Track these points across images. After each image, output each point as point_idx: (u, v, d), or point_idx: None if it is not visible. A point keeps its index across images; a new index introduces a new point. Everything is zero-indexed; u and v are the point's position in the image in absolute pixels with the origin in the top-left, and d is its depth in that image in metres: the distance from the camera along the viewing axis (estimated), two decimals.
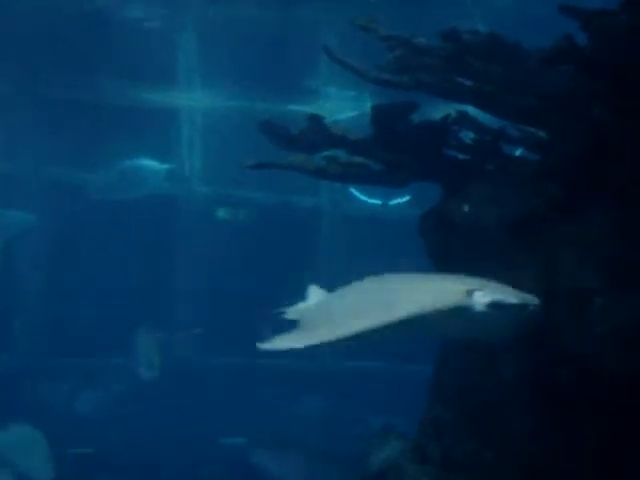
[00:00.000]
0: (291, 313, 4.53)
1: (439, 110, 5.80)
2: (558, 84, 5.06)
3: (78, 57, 10.65)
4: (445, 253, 5.64)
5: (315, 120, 5.50)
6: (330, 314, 4.34)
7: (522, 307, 4.05)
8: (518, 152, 6.51)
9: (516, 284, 5.18)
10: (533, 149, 5.95)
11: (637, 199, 4.95)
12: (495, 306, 3.97)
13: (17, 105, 10.87)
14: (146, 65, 10.98)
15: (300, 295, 5.18)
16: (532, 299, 4.12)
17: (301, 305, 4.47)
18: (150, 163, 11.22)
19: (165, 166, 11.30)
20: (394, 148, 5.64)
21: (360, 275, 11.71)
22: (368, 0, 7.90)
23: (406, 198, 12.43)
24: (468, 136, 5.94)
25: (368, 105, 5.61)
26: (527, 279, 5.17)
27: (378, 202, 12.58)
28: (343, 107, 11.12)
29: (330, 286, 11.93)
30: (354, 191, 12.47)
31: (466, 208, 5.41)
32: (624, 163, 5.07)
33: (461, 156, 5.90)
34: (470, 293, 3.98)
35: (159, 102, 11.53)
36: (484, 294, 3.98)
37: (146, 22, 10.61)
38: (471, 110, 5.84)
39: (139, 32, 10.59)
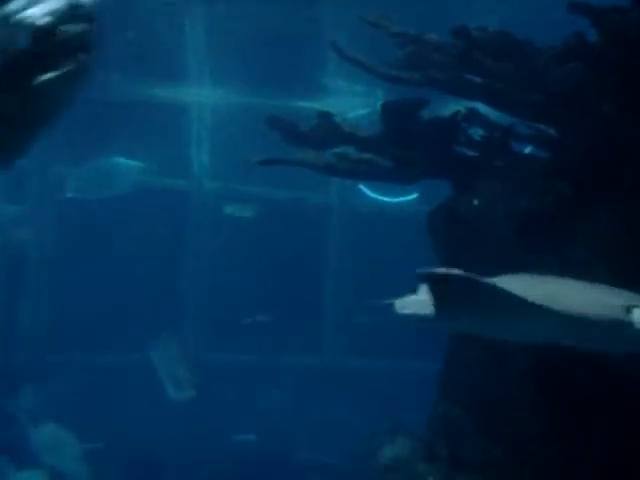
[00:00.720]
0: (403, 305, 4.30)
1: (449, 107, 5.80)
2: (568, 81, 5.05)
3: None
4: (453, 249, 5.63)
5: (325, 117, 5.51)
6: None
7: None
8: (528, 149, 6.49)
9: None
10: (542, 146, 5.93)
11: None
12: None
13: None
14: (155, 61, 10.98)
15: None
16: None
17: (413, 297, 4.23)
18: (123, 161, 10.99)
19: (138, 164, 11.02)
20: (404, 145, 5.64)
21: (370, 271, 11.67)
22: None
23: (414, 195, 12.41)
24: (477, 133, 5.93)
25: (379, 102, 5.60)
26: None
27: (387, 199, 12.58)
28: (353, 103, 11.10)
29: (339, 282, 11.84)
30: (363, 188, 12.46)
31: (476, 202, 5.39)
32: (633, 160, 5.06)
33: (470, 153, 5.89)
34: (630, 309, 3.90)
35: (168, 98, 11.54)
36: None
37: (156, 17, 10.60)
38: (481, 107, 5.83)
39: (148, 26, 10.58)
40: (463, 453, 5.26)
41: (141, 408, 10.67)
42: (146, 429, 10.61)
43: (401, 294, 4.45)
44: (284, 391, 11.24)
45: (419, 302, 4.17)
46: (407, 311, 4.14)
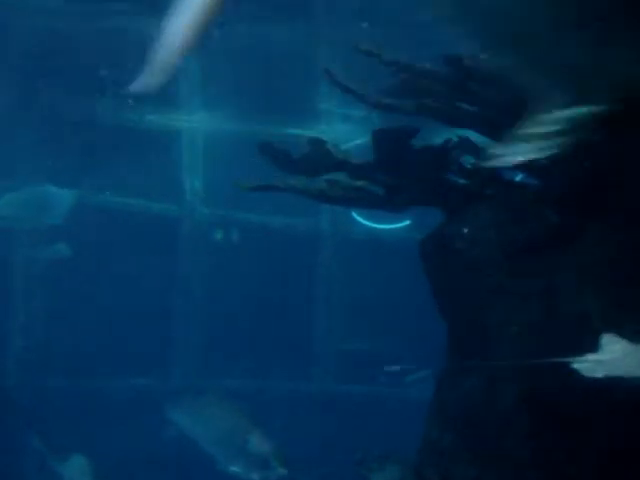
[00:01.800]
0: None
1: (441, 134, 5.83)
2: None
3: (78, 76, 10.68)
4: (445, 277, 5.65)
5: (317, 144, 5.53)
6: None
7: None
8: (519, 177, 6.53)
9: (515, 310, 5.21)
10: (533, 174, 5.97)
11: (636, 222, 4.95)
12: None
13: (19, 125, 10.89)
14: None
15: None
16: None
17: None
18: (55, 190, 10.37)
19: (71, 193, 10.45)
20: (395, 172, 5.66)
21: (361, 297, 11.68)
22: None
23: (406, 222, 12.44)
24: (469, 161, 5.96)
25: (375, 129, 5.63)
26: (526, 306, 5.18)
27: (379, 226, 12.60)
28: (349, 130, 11.16)
29: (331, 308, 11.89)
30: (355, 215, 12.49)
31: (465, 230, 5.41)
32: (623, 188, 5.09)
33: (462, 181, 5.92)
34: None
35: (160, 124, 11.57)
36: None
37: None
38: (472, 135, 5.87)
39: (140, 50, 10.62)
40: None
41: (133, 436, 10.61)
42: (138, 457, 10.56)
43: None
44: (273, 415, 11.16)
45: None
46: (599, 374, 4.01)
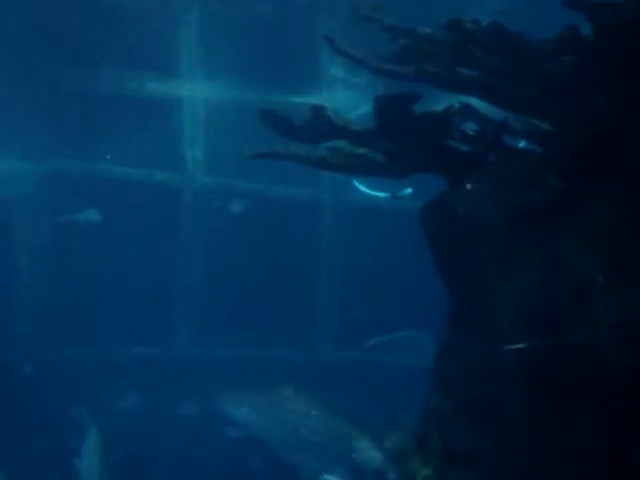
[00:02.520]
0: None
1: (442, 101, 5.79)
2: (560, 74, 5.04)
3: (79, 46, 10.63)
4: (446, 244, 5.64)
5: (318, 111, 5.49)
6: None
7: None
8: (522, 144, 6.50)
9: (518, 276, 5.20)
10: (536, 141, 5.94)
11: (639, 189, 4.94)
12: None
13: (15, 95, 10.85)
14: (148, 55, 10.97)
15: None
16: None
17: None
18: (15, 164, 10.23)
19: (31, 167, 10.34)
20: (397, 139, 5.63)
21: (361, 267, 11.71)
22: None
23: (408, 191, 12.41)
24: (471, 127, 5.93)
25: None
26: (528, 271, 5.18)
27: (381, 194, 12.58)
28: (352, 98, 11.11)
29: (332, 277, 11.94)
30: (356, 183, 12.47)
31: (468, 186, 5.39)
32: (627, 154, 5.06)
33: (463, 147, 5.89)
34: None
35: (161, 93, 11.52)
36: None
37: (148, 10, 10.58)
38: (474, 102, 5.83)
39: (141, 20, 10.57)
40: (456, 448, 5.26)
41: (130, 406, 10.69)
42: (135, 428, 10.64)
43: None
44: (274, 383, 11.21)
45: None
46: None
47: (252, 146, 5.69)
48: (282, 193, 11.84)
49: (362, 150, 5.70)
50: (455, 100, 5.77)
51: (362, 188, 12.46)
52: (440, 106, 5.66)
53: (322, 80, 11.54)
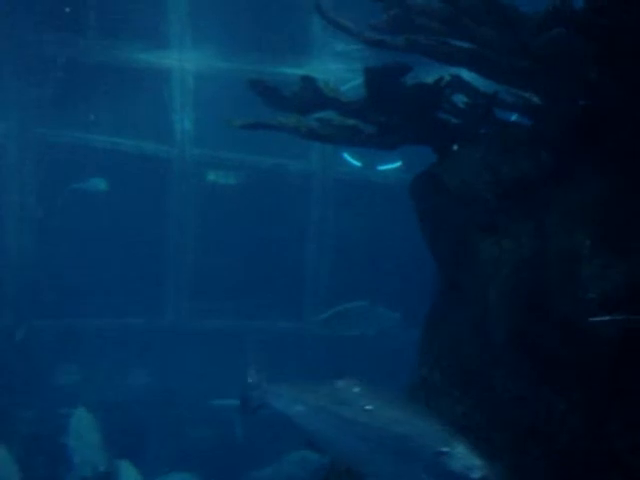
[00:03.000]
0: None
1: (433, 73, 5.76)
2: (552, 47, 5.01)
3: (65, 14, 10.53)
4: (435, 217, 5.64)
5: (308, 81, 5.45)
6: None
7: None
8: (513, 118, 6.49)
9: (507, 249, 5.21)
10: (527, 114, 5.93)
11: (629, 164, 4.93)
12: None
13: (1, 65, 10.75)
14: (137, 25, 10.88)
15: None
16: None
17: None
18: None
19: None
20: (387, 110, 5.60)
21: (352, 238, 11.68)
22: None
23: (398, 164, 12.40)
24: (461, 100, 5.91)
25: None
26: (517, 243, 5.19)
27: (370, 167, 12.56)
28: (342, 70, 11.05)
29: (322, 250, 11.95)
30: (346, 156, 12.44)
31: (455, 147, 5.39)
32: (617, 128, 5.06)
33: (454, 120, 5.87)
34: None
35: (150, 63, 11.43)
36: None
37: None
38: (465, 74, 5.80)
39: None
40: (443, 418, 5.28)
41: (124, 373, 10.72)
42: (128, 395, 10.68)
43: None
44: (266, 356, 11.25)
45: None
46: None
47: (241, 116, 5.66)
48: (272, 164, 11.81)
49: (352, 121, 5.68)
50: (446, 72, 5.75)
51: (351, 160, 12.43)
52: (431, 78, 5.63)
53: (313, 51, 11.47)
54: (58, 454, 9.04)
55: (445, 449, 4.29)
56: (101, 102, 11.15)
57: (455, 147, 5.58)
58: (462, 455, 4.29)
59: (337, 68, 11.32)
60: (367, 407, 4.62)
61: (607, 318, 4.53)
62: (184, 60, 11.55)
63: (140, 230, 11.15)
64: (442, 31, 5.28)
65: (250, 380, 5.31)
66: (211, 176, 11.94)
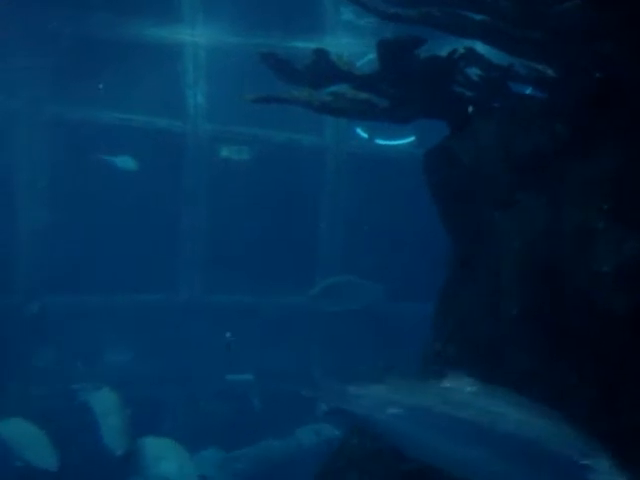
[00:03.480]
0: None
1: (447, 46, 5.72)
2: (567, 18, 4.96)
3: None
4: (449, 191, 5.62)
5: (321, 54, 5.42)
6: None
7: None
8: (528, 91, 6.44)
9: (520, 223, 5.19)
10: (541, 87, 5.88)
11: None
12: None
13: (14, 42, 10.72)
14: (148, 0, 10.83)
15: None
16: None
17: None
18: None
19: None
20: (400, 84, 5.57)
21: (364, 213, 11.61)
22: None
23: (411, 139, 12.34)
24: (475, 73, 5.87)
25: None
26: (531, 218, 5.16)
27: (383, 142, 12.51)
28: (355, 43, 10.97)
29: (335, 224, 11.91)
30: (359, 130, 12.38)
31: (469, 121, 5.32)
32: (631, 100, 5.01)
33: (468, 93, 5.83)
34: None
35: (162, 38, 11.38)
36: None
37: None
38: (479, 47, 5.76)
39: None
40: None
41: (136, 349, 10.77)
42: (142, 370, 10.74)
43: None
44: (278, 331, 11.30)
45: None
46: None
47: (254, 91, 5.64)
48: (285, 139, 11.77)
49: (365, 95, 5.65)
50: (460, 45, 5.70)
51: (364, 135, 12.38)
52: (445, 52, 5.59)
53: (326, 24, 11.38)
54: (73, 432, 9.12)
55: (586, 461, 3.56)
56: (112, 78, 11.12)
57: (469, 120, 5.54)
58: (606, 470, 3.54)
59: (349, 42, 11.23)
60: (492, 408, 3.86)
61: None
62: (196, 35, 11.50)
63: (153, 206, 11.16)
64: (456, 3, 5.23)
65: (318, 380, 4.48)
66: (224, 151, 11.91)
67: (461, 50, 5.65)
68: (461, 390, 3.96)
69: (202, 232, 11.58)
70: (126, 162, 10.92)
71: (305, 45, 10.48)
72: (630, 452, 4.10)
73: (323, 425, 10.23)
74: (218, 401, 10.93)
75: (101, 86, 11.06)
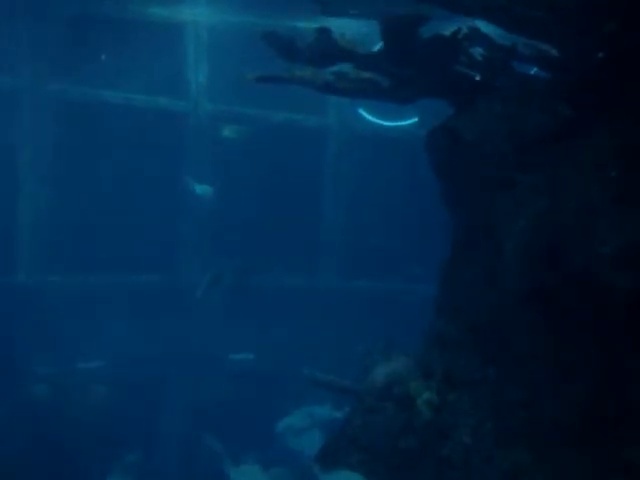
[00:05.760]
0: None
1: (450, 25, 5.68)
2: None
3: None
4: (452, 170, 5.60)
5: (323, 33, 5.39)
6: None
7: None
8: (533, 71, 6.41)
9: (523, 202, 5.18)
10: (545, 67, 5.85)
11: None
12: None
13: (14, 19, 10.67)
14: None
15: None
16: None
17: None
18: None
19: None
20: (404, 63, 5.54)
21: (367, 193, 11.57)
22: None
23: (414, 120, 12.29)
24: (479, 52, 5.83)
25: None
26: (534, 198, 5.15)
27: (386, 123, 12.46)
28: (357, 25, 10.90)
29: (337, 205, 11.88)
30: (362, 111, 12.33)
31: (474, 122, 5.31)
32: (635, 81, 4.98)
33: (471, 73, 5.80)
34: None
35: (163, 17, 11.33)
36: None
37: None
38: (482, 26, 5.72)
39: None
40: (457, 372, 5.30)
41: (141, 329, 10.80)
42: (146, 350, 10.78)
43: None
44: (281, 311, 11.32)
45: None
46: None
47: (257, 70, 5.61)
48: (286, 119, 11.73)
49: (368, 74, 5.62)
50: (463, 24, 5.67)
51: (367, 116, 12.33)
52: (448, 30, 5.56)
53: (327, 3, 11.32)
54: None
55: None
56: (114, 57, 11.08)
57: (473, 100, 5.52)
58: None
59: (352, 22, 11.17)
60: None
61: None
62: (198, 14, 11.44)
63: (154, 186, 11.15)
64: None
65: None
66: (226, 131, 11.88)
67: (465, 30, 5.62)
68: None
69: (203, 213, 11.58)
70: (205, 190, 11.28)
71: (307, 25, 10.43)
72: (634, 431, 4.11)
73: (318, 407, 10.34)
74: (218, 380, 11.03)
75: (103, 57, 11.03)
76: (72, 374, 10.35)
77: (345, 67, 5.69)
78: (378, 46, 9.63)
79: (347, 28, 10.63)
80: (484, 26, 5.69)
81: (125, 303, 10.78)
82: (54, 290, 10.77)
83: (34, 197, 10.87)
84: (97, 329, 10.55)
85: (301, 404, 10.46)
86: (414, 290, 10.64)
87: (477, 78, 5.79)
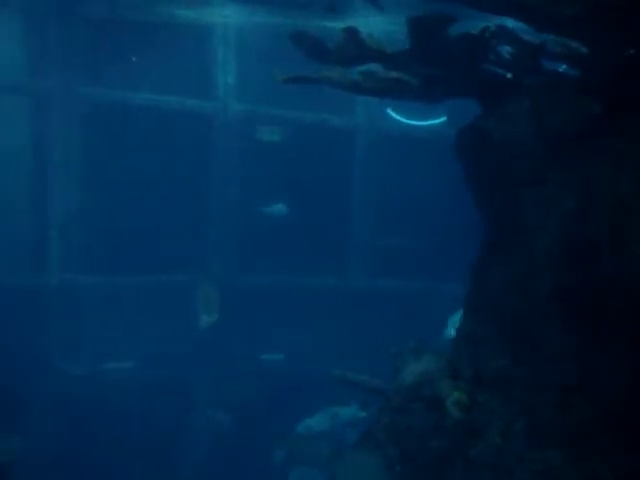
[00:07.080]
0: None
1: (478, 23, 5.65)
2: None
3: None
4: (481, 170, 5.57)
5: (351, 33, 5.39)
6: None
7: None
8: (562, 68, 6.36)
9: (554, 201, 5.14)
10: (574, 65, 5.80)
11: None
12: None
13: (45, 23, 10.78)
14: None
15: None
16: None
17: None
18: None
19: None
20: (431, 62, 5.52)
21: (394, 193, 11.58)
22: None
23: (442, 119, 12.26)
24: (507, 50, 5.80)
25: None
26: (565, 197, 5.11)
27: (415, 123, 12.43)
28: (381, 22, 10.88)
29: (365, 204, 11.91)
30: (390, 111, 12.32)
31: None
32: None
33: (500, 71, 5.77)
34: None
35: (192, 19, 11.39)
36: None
37: None
38: (510, 24, 5.68)
39: None
40: (487, 372, 5.28)
41: (169, 329, 10.85)
42: (174, 350, 10.85)
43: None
44: (309, 312, 11.34)
45: None
46: None
47: (285, 71, 5.62)
48: (315, 120, 11.74)
49: (396, 74, 5.61)
50: (491, 22, 5.64)
51: (396, 116, 12.31)
52: (476, 29, 5.53)
53: (354, 3, 11.31)
54: None
55: None
56: (142, 59, 11.16)
57: (502, 99, 5.49)
58: None
59: (379, 21, 11.15)
60: None
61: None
62: (226, 15, 11.49)
63: (182, 187, 11.21)
64: None
65: None
66: (256, 132, 11.90)
67: (492, 27, 5.58)
68: None
69: (232, 212, 11.62)
70: (280, 210, 11.65)
71: (336, 25, 10.43)
72: None
73: (341, 408, 10.40)
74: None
75: (134, 59, 11.11)
76: (106, 374, 10.44)
77: (373, 67, 5.68)
78: (406, 45, 9.64)
79: (374, 27, 10.68)
80: (511, 23, 5.65)
81: (155, 303, 10.86)
82: (85, 290, 10.87)
83: (65, 198, 10.97)
84: (129, 329, 10.64)
85: (328, 404, 10.49)
86: (443, 290, 10.60)
87: (508, 76, 5.76)
